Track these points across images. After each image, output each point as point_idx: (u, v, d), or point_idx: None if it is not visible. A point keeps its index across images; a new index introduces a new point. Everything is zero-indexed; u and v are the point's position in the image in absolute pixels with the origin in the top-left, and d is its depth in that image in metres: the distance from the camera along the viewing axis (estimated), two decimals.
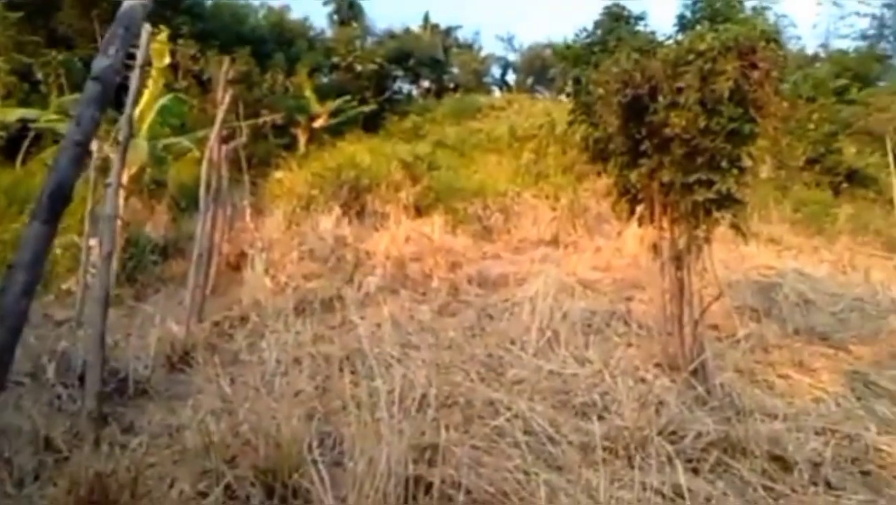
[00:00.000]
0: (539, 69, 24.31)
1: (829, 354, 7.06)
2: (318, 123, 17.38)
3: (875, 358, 7.05)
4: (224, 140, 8.97)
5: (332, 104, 17.74)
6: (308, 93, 17.56)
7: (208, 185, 8.08)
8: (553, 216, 12.92)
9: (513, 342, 6.91)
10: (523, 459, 4.31)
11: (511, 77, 26.81)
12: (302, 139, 17.12)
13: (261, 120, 14.44)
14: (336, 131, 17.20)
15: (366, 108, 18.68)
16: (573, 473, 4.19)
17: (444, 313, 8.24)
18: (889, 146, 14.72)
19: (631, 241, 10.68)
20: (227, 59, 9.75)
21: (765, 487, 4.25)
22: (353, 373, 5.86)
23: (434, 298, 8.80)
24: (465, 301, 8.73)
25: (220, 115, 8.25)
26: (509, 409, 4.97)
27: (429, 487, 3.72)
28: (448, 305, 8.55)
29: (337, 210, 11.73)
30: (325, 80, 20.05)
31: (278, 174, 13.97)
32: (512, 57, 26.88)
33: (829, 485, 4.43)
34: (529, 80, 24.89)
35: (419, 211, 12.80)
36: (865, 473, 4.74)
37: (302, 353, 6.29)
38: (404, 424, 3.86)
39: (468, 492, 3.75)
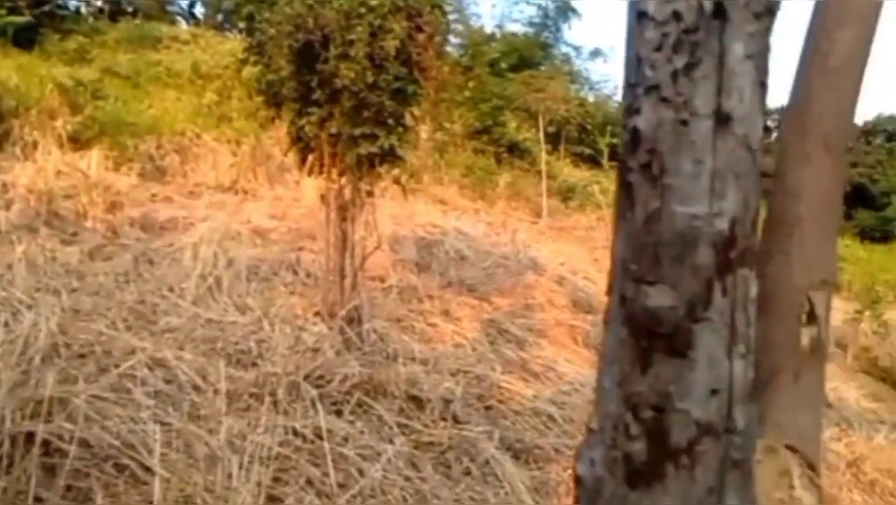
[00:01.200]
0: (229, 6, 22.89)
1: (474, 305, 7.85)
2: None
3: (510, 308, 8.00)
4: None
5: None
6: None
7: None
8: (233, 161, 12.40)
9: (171, 289, 6.50)
10: (162, 409, 4.08)
11: (199, 10, 24.78)
12: None
13: None
14: None
15: (17, 19, 15.88)
16: (215, 422, 4.08)
17: (97, 257, 7.46)
18: (542, 123, 16.72)
19: (310, 190, 10.64)
20: None
21: (399, 425, 4.58)
22: None
23: (87, 239, 7.92)
24: (123, 245, 7.98)
25: None
26: (152, 358, 4.66)
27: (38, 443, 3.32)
28: (102, 248, 7.75)
29: None
30: None
31: None
32: None
33: (455, 420, 4.92)
34: (219, 17, 23.35)
35: (79, 143, 11.36)
36: (488, 408, 5.38)
37: None
38: (3, 374, 3.37)
39: (88, 446, 3.43)
